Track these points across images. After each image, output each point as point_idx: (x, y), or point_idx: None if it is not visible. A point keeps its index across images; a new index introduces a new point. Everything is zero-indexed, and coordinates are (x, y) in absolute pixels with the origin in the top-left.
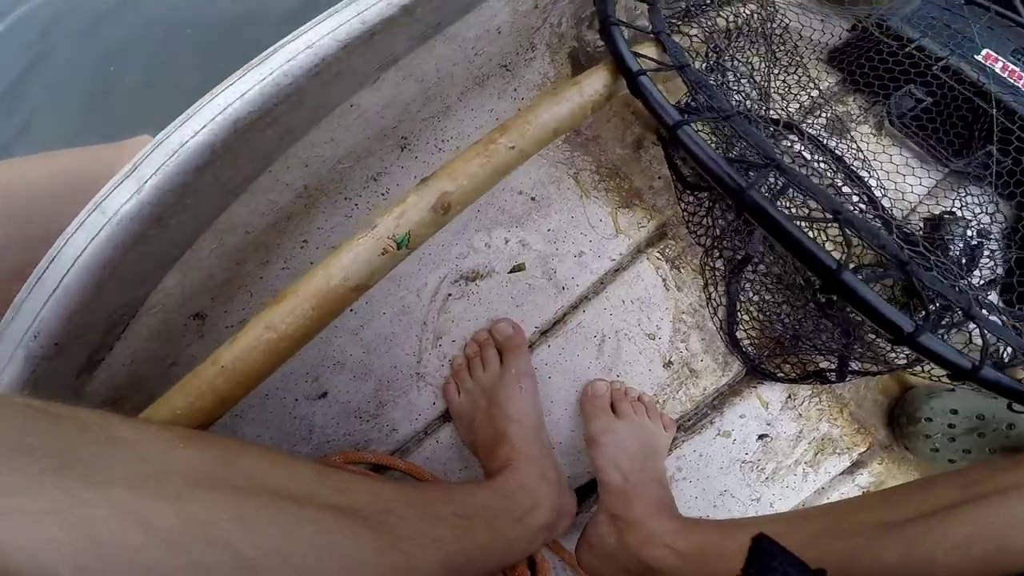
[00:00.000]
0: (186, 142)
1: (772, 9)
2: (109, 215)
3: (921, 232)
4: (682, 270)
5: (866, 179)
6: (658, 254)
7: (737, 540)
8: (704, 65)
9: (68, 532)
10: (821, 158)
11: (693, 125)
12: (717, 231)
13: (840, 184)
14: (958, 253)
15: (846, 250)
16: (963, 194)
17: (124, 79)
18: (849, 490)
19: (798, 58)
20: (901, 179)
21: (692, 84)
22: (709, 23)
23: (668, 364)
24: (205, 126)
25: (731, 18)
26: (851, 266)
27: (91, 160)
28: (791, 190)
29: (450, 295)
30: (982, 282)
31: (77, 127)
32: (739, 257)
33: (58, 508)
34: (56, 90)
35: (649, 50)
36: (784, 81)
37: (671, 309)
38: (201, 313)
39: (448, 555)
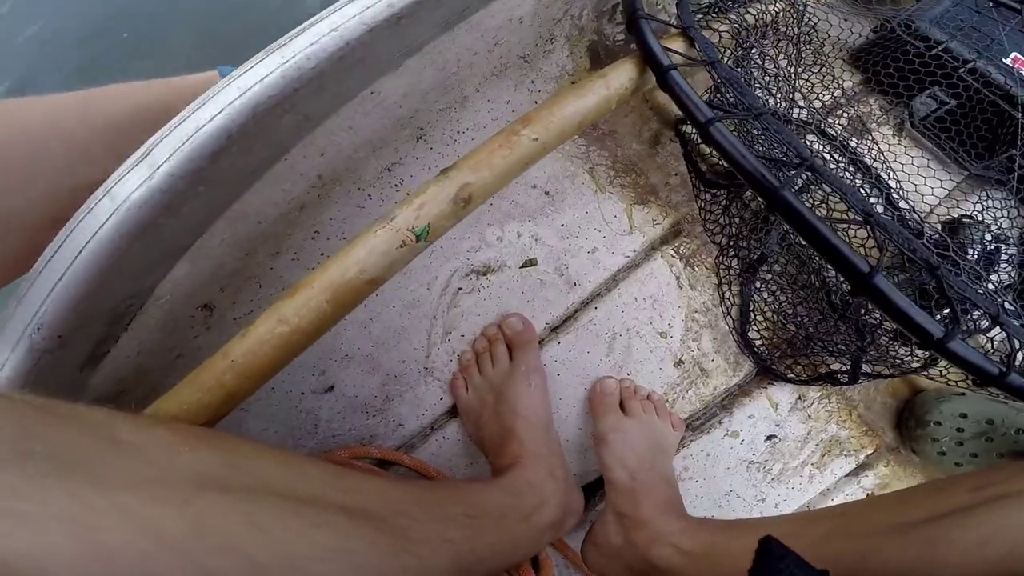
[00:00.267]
0: (202, 126)
1: (802, 8)
2: (118, 202)
3: (938, 236)
4: (696, 268)
5: (886, 181)
6: (672, 252)
7: (744, 541)
8: (730, 61)
9: (73, 539)
10: (841, 158)
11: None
12: (733, 229)
13: (861, 185)
14: (975, 257)
15: (879, 254)
16: (983, 198)
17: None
18: (854, 492)
19: (823, 57)
20: (921, 181)
21: (723, 80)
22: (737, 19)
23: (679, 363)
24: (222, 110)
25: (758, 15)
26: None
27: (165, 92)
28: (810, 190)
29: (460, 289)
30: (998, 287)
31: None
32: (755, 257)
33: (62, 514)
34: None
35: (674, 44)
36: (808, 80)
37: (684, 308)
38: (209, 304)
39: (458, 556)
